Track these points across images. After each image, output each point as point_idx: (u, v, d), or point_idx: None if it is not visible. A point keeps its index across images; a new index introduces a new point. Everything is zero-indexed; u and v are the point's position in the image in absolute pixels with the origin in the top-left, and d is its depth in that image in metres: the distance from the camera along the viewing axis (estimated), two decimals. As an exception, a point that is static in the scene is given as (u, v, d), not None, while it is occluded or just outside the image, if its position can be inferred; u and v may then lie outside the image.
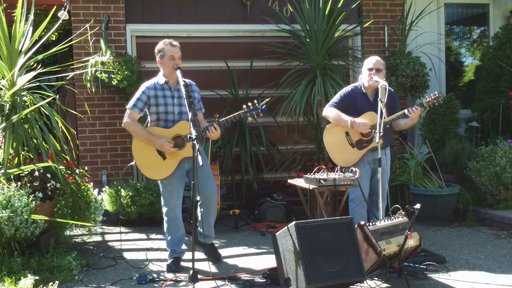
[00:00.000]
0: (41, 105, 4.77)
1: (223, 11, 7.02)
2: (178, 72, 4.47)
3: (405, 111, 4.79)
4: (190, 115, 4.23)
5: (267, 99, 4.51)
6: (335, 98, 5.09)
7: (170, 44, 4.53)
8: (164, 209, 4.67)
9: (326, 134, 5.10)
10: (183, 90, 4.34)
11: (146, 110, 4.59)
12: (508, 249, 5.09)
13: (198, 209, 4.75)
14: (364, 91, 4.98)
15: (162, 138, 4.46)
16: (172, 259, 4.68)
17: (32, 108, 4.68)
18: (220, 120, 4.48)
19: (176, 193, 4.59)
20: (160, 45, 4.57)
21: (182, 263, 4.74)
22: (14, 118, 4.55)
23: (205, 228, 4.72)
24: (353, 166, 4.85)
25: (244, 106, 4.49)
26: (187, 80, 4.62)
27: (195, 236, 4.44)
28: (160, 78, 4.59)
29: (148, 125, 4.62)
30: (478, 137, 7.00)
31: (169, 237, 4.72)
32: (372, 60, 4.93)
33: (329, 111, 5.02)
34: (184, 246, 4.85)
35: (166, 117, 4.54)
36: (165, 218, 4.69)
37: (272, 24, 6.86)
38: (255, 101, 4.49)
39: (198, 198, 4.62)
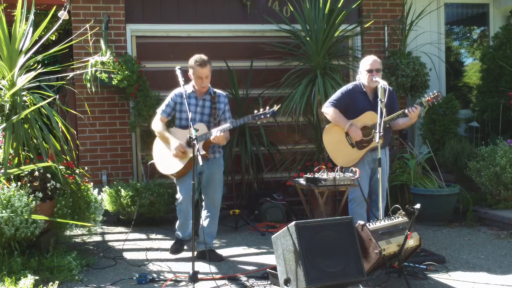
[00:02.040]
0: (41, 105, 4.77)
1: (223, 11, 7.02)
2: (178, 72, 4.63)
3: (405, 110, 4.79)
4: (190, 115, 4.43)
5: (276, 107, 4.70)
6: (335, 95, 5.08)
7: (199, 65, 4.75)
8: (176, 201, 5.00)
9: (326, 135, 5.10)
10: (181, 81, 4.61)
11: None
12: (508, 249, 5.10)
13: (204, 213, 5.01)
14: (364, 89, 4.98)
15: (177, 140, 4.80)
16: (175, 241, 5.07)
17: (33, 108, 4.68)
18: (219, 127, 4.72)
19: (188, 187, 4.79)
20: (191, 62, 4.80)
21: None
22: (14, 118, 4.55)
23: (205, 234, 4.92)
24: (353, 166, 4.85)
25: (255, 111, 4.76)
26: (218, 91, 5.00)
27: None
28: (189, 87, 4.90)
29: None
30: (478, 137, 7.00)
31: (178, 221, 5.01)
32: (369, 61, 4.91)
33: (329, 110, 5.01)
34: (188, 237, 5.02)
35: (187, 122, 4.78)
36: (176, 206, 5.00)
37: (272, 24, 6.86)
38: (267, 107, 4.74)
39: (179, 199, 4.92)
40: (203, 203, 5.01)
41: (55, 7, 5.65)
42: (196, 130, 4.38)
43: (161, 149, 4.94)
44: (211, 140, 4.66)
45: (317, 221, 3.91)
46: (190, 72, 4.82)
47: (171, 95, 4.94)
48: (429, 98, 4.82)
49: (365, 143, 4.91)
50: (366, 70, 4.90)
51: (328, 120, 5.10)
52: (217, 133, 4.63)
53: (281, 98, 6.59)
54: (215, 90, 4.96)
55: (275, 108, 4.65)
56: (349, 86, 5.08)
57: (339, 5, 6.45)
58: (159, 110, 4.99)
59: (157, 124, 4.94)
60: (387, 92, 4.66)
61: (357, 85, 5.04)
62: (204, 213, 5.01)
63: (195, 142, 4.21)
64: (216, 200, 4.97)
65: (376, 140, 4.38)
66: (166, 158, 4.88)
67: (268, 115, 4.65)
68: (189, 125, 4.38)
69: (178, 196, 4.93)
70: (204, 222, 4.99)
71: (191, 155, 4.65)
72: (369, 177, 5.04)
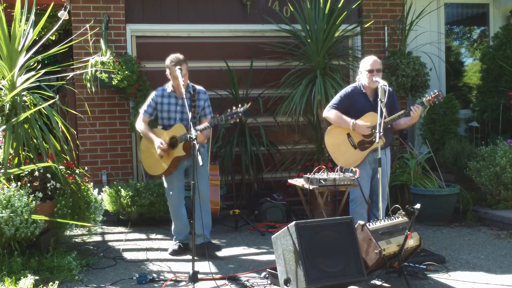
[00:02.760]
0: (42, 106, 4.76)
1: (223, 11, 7.02)
2: (178, 72, 4.66)
3: (406, 110, 4.79)
4: (190, 115, 4.44)
5: (247, 105, 4.75)
6: (335, 99, 5.08)
7: (175, 65, 4.78)
8: (168, 201, 5.19)
9: (328, 136, 5.10)
10: (182, 87, 4.62)
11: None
12: (508, 249, 5.10)
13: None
14: (363, 91, 4.98)
15: (159, 139, 4.90)
16: (176, 243, 5.15)
17: (34, 110, 4.66)
18: (198, 127, 4.74)
19: (175, 187, 5.04)
20: (167, 61, 4.87)
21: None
22: (14, 120, 4.54)
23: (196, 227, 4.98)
24: (355, 167, 4.84)
25: (228, 110, 4.77)
26: (198, 87, 5.06)
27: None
28: (168, 86, 5.01)
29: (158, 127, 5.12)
30: (478, 137, 7.00)
31: (173, 225, 5.18)
32: (369, 61, 4.91)
33: (330, 113, 5.01)
34: (185, 239, 5.14)
35: (169, 122, 4.98)
36: (169, 208, 5.16)
37: (272, 24, 6.86)
38: (239, 105, 4.78)
39: (169, 199, 5.06)
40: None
41: (52, 4, 5.63)
42: (196, 131, 4.37)
43: (147, 150, 5.06)
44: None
45: (317, 221, 3.91)
46: (167, 72, 4.88)
47: (151, 95, 5.04)
48: (430, 97, 4.82)
49: (367, 144, 4.91)
50: (366, 70, 4.90)
51: (329, 122, 5.10)
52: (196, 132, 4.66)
53: (281, 98, 6.59)
54: (195, 86, 5.00)
55: (247, 106, 4.71)
56: (348, 88, 5.07)
57: (339, 5, 6.45)
58: (141, 110, 5.09)
59: (140, 124, 5.06)
60: (387, 92, 4.65)
61: (357, 87, 5.03)
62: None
63: (195, 142, 4.20)
64: (203, 192, 4.95)
65: (376, 140, 4.37)
66: (152, 159, 5.00)
67: (240, 114, 4.69)
68: (189, 125, 4.38)
69: (167, 195, 5.12)
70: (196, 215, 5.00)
71: (175, 155, 4.86)
72: (370, 177, 5.04)
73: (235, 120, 4.76)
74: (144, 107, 5.07)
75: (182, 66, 4.76)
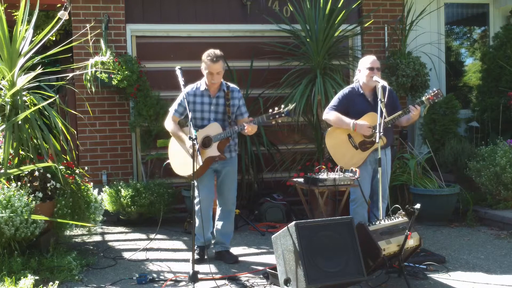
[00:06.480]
0: (42, 106, 4.77)
1: (223, 11, 7.02)
2: (178, 72, 4.59)
3: (406, 109, 4.78)
4: (190, 115, 4.39)
5: (291, 106, 4.67)
6: (334, 101, 5.07)
7: (211, 60, 4.63)
8: (195, 200, 4.78)
9: (328, 138, 5.09)
10: (182, 88, 4.52)
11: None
12: (508, 249, 5.10)
13: (218, 213, 4.97)
14: (362, 92, 4.97)
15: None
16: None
17: (33, 109, 4.67)
18: (255, 119, 4.64)
19: (206, 188, 4.79)
20: (204, 56, 4.68)
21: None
22: (14, 119, 4.54)
23: (220, 234, 4.93)
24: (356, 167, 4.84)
25: (270, 110, 4.64)
26: (231, 85, 4.83)
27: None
28: (202, 84, 4.76)
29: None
30: (478, 137, 7.00)
31: (197, 223, 4.83)
32: (369, 59, 4.91)
33: (330, 115, 5.00)
34: (210, 238, 4.99)
35: (202, 122, 4.75)
36: (195, 208, 4.78)
37: (272, 24, 6.86)
38: (282, 106, 4.64)
39: (198, 199, 4.76)
40: (198, 198, 4.88)
41: (58, 6, 5.62)
42: (196, 131, 4.37)
43: (176, 150, 4.83)
44: (245, 131, 4.55)
45: (317, 221, 3.91)
46: (202, 67, 4.69)
47: (183, 93, 4.65)
48: (430, 96, 4.81)
49: (368, 144, 4.90)
50: (367, 68, 4.89)
51: (329, 123, 5.10)
52: (250, 123, 4.54)
53: (281, 98, 6.59)
54: (228, 84, 4.82)
55: (290, 106, 4.62)
56: (345, 90, 5.06)
57: (339, 5, 6.45)
58: (171, 109, 4.86)
59: (169, 124, 4.83)
60: (387, 91, 4.65)
61: (354, 88, 5.02)
62: (218, 212, 4.96)
63: (195, 142, 4.17)
64: (230, 198, 4.89)
65: (376, 140, 4.37)
66: (181, 159, 4.76)
67: (283, 115, 4.56)
68: (189, 125, 4.33)
69: (197, 196, 4.78)
70: (218, 222, 4.94)
71: (207, 155, 4.64)
72: (371, 177, 5.03)
73: (276, 120, 4.61)
74: (174, 106, 4.82)
75: (219, 62, 4.59)
